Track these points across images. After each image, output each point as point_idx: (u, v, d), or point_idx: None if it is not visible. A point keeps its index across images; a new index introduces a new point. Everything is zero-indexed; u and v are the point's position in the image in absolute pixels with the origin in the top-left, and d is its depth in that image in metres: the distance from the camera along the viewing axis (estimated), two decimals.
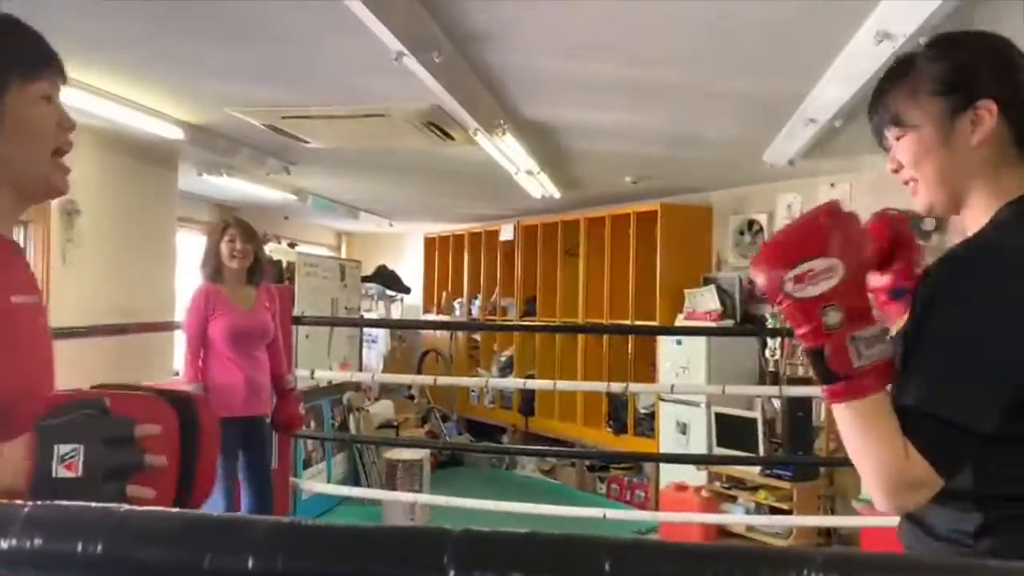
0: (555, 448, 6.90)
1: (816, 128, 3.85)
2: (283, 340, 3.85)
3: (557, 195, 6.03)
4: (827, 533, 5.03)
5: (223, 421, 3.40)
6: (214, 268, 3.59)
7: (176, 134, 4.38)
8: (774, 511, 4.99)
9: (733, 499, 5.35)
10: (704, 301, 6.17)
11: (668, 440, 6.02)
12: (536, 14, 2.79)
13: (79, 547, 0.54)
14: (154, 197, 5.31)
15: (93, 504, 0.56)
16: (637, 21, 2.84)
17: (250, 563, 0.51)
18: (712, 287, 6.20)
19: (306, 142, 4.79)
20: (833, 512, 5.09)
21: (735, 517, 5.19)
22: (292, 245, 8.30)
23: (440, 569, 0.48)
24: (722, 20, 2.80)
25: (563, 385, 6.01)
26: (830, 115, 3.60)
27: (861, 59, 2.88)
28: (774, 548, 0.53)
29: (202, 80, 3.71)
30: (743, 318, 6.20)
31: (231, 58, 3.39)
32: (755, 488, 5.24)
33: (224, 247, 3.58)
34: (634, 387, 5.14)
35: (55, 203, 4.20)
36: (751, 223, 6.27)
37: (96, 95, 3.72)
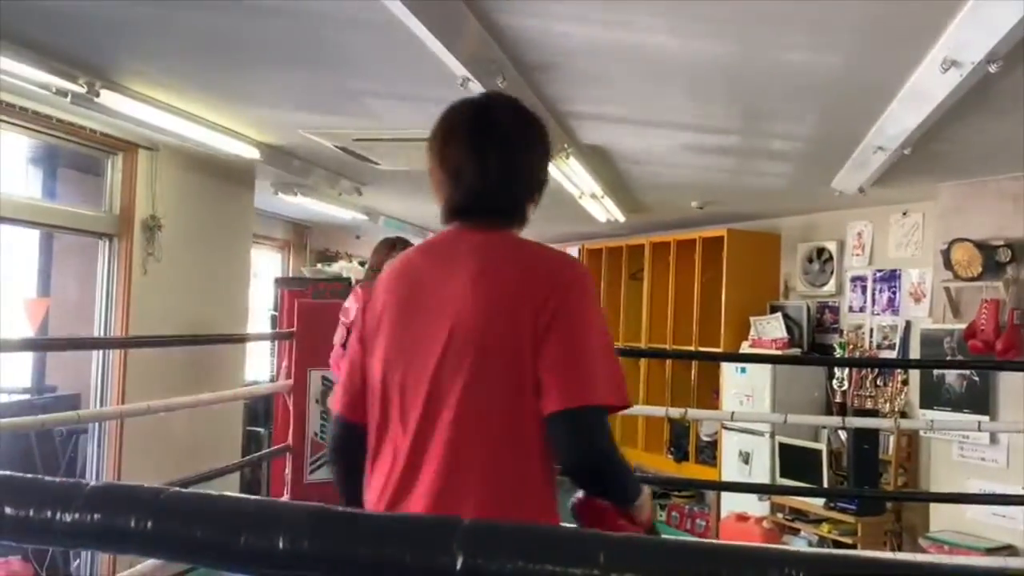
0: None
1: (885, 156, 3.80)
2: None
3: (622, 219, 6.04)
4: None
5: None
6: None
7: (253, 154, 4.56)
8: (837, 545, 4.88)
9: (796, 531, 5.24)
10: (771, 329, 6.09)
11: (731, 469, 5.94)
12: (598, 43, 2.84)
13: (132, 523, 0.60)
14: (231, 214, 5.52)
15: (144, 486, 0.62)
16: (702, 51, 2.87)
17: (280, 543, 0.57)
18: (779, 315, 6.12)
19: (376, 164, 4.93)
20: (899, 549, 4.93)
21: (797, 550, 5.08)
22: (363, 264, 8.48)
23: (450, 553, 0.53)
24: (786, 49, 2.81)
25: None
26: (898, 143, 3.55)
27: (928, 88, 2.85)
28: (755, 547, 0.56)
29: (279, 103, 3.88)
30: (811, 347, 6.10)
31: (307, 84, 3.54)
32: (818, 521, 5.13)
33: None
34: (693, 413, 5.09)
35: (138, 218, 4.42)
36: (820, 251, 6.17)
37: (180, 116, 3.92)
